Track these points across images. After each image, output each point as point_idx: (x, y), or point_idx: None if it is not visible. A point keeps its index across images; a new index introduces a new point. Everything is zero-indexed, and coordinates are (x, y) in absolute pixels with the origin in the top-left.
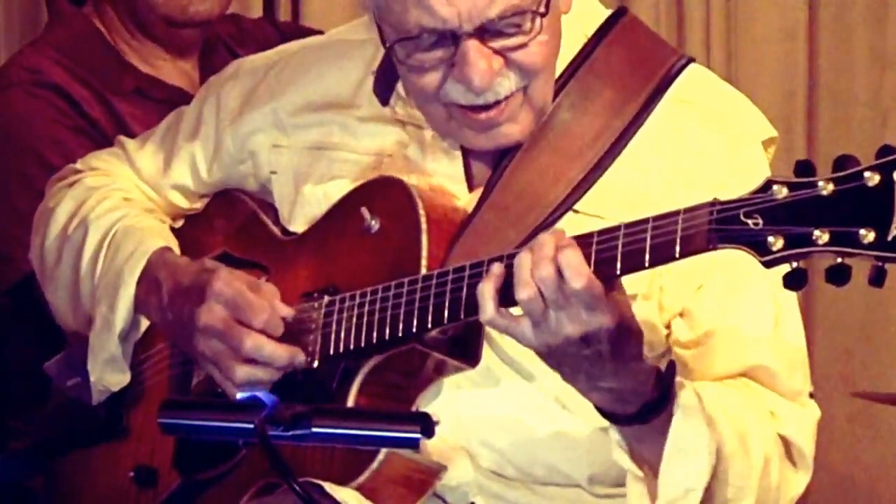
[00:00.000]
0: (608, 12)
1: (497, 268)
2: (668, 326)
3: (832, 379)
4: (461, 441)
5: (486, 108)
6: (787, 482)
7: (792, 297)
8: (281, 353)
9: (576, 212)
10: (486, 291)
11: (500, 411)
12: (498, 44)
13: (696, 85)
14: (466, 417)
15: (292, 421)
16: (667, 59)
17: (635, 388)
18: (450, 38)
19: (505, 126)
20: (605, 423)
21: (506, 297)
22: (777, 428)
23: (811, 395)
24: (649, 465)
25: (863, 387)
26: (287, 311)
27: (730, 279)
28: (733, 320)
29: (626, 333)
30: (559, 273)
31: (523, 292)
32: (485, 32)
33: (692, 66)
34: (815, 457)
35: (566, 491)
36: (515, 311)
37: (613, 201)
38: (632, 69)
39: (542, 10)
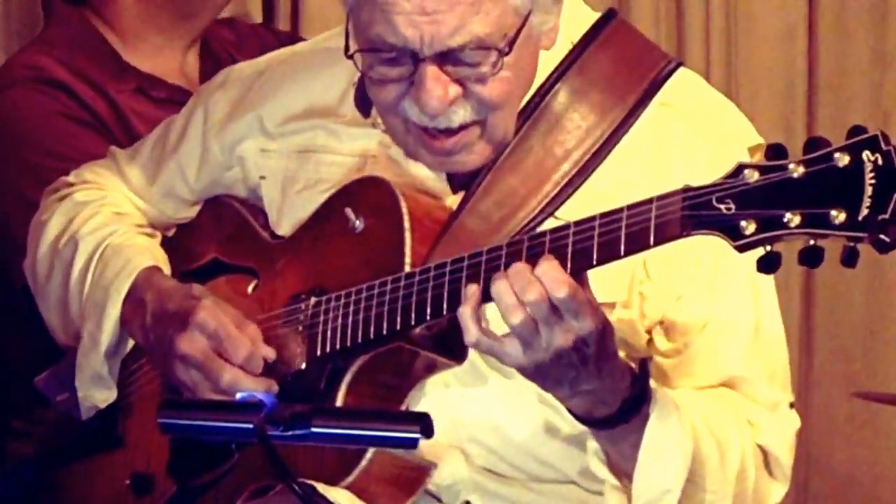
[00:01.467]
0: (596, 16)
1: (472, 289)
2: (648, 332)
3: (832, 379)
4: (452, 439)
5: (440, 133)
6: (764, 492)
7: (774, 306)
8: (258, 387)
9: (556, 218)
10: (466, 314)
11: (488, 408)
12: (457, 72)
13: (683, 89)
14: (456, 415)
15: (291, 421)
16: (656, 62)
17: (613, 385)
18: (410, 58)
19: (459, 155)
20: None
21: (485, 297)
22: (755, 437)
23: (791, 406)
24: (625, 474)
25: (863, 387)
26: (269, 353)
27: (710, 289)
28: (712, 330)
29: (607, 331)
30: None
31: (515, 317)
32: (445, 59)
33: (681, 69)
34: (814, 457)
35: (561, 487)
36: (497, 329)
37: (594, 208)
38: (620, 72)
39: (505, 49)
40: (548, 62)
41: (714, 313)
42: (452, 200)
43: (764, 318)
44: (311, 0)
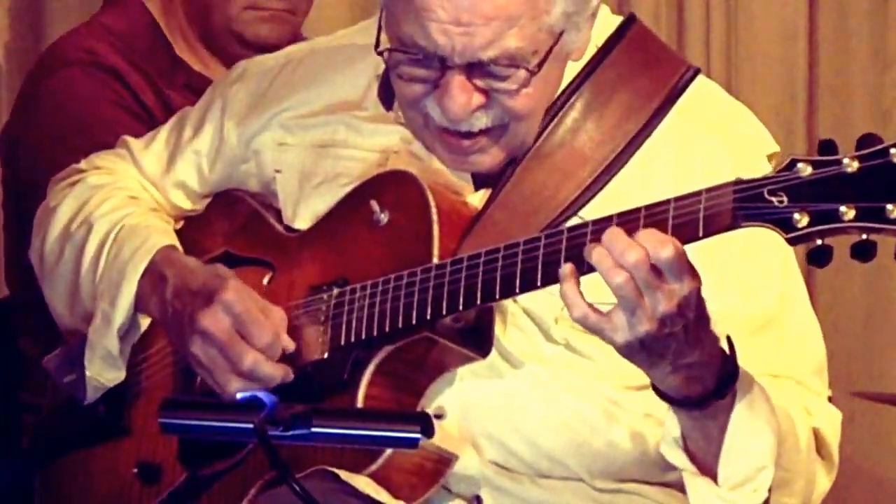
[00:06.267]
0: (619, 20)
1: (568, 268)
2: None
3: (832, 379)
4: (465, 433)
5: (459, 134)
6: (819, 477)
7: (808, 301)
8: (277, 373)
9: (581, 218)
10: (570, 291)
11: (502, 403)
12: (484, 82)
13: (703, 96)
14: (470, 409)
15: (292, 421)
16: (676, 68)
17: (708, 360)
18: (438, 62)
19: (474, 157)
20: (608, 422)
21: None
22: (812, 422)
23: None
24: (701, 461)
25: (863, 387)
26: (289, 344)
27: (739, 286)
28: (753, 327)
29: (702, 295)
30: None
31: (618, 277)
32: (473, 69)
33: (699, 77)
34: None
35: (570, 485)
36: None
37: (617, 208)
38: (643, 76)
39: (535, 69)
40: (574, 64)
41: (746, 310)
42: (474, 197)
43: (804, 312)
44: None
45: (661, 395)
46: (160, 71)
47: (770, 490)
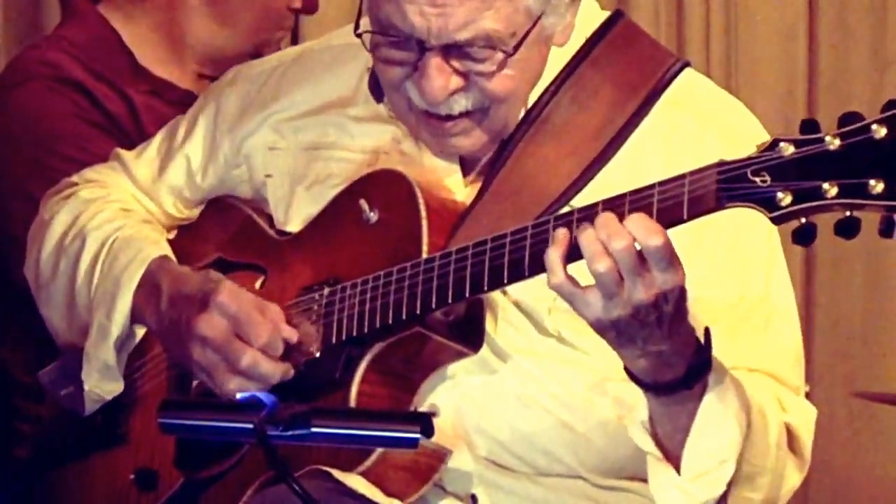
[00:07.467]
0: (606, 14)
1: (562, 233)
2: None
3: (832, 379)
4: (459, 430)
5: (439, 117)
6: (789, 472)
7: (791, 293)
8: (276, 371)
9: (573, 207)
10: (554, 256)
11: (496, 399)
12: (462, 64)
13: (691, 88)
14: (463, 406)
15: (291, 421)
16: (664, 60)
17: (681, 349)
18: (416, 45)
19: (455, 139)
20: (600, 415)
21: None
22: (784, 416)
23: (806, 396)
24: (669, 449)
25: (863, 387)
26: (290, 334)
27: (725, 275)
28: (732, 317)
29: (684, 291)
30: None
31: (600, 264)
32: (451, 51)
33: (688, 69)
34: (814, 457)
35: (568, 482)
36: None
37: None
38: (631, 69)
39: (511, 51)
40: (561, 56)
41: (731, 299)
42: (464, 194)
43: (787, 304)
44: None
45: (632, 376)
46: (123, 77)
47: (731, 484)
